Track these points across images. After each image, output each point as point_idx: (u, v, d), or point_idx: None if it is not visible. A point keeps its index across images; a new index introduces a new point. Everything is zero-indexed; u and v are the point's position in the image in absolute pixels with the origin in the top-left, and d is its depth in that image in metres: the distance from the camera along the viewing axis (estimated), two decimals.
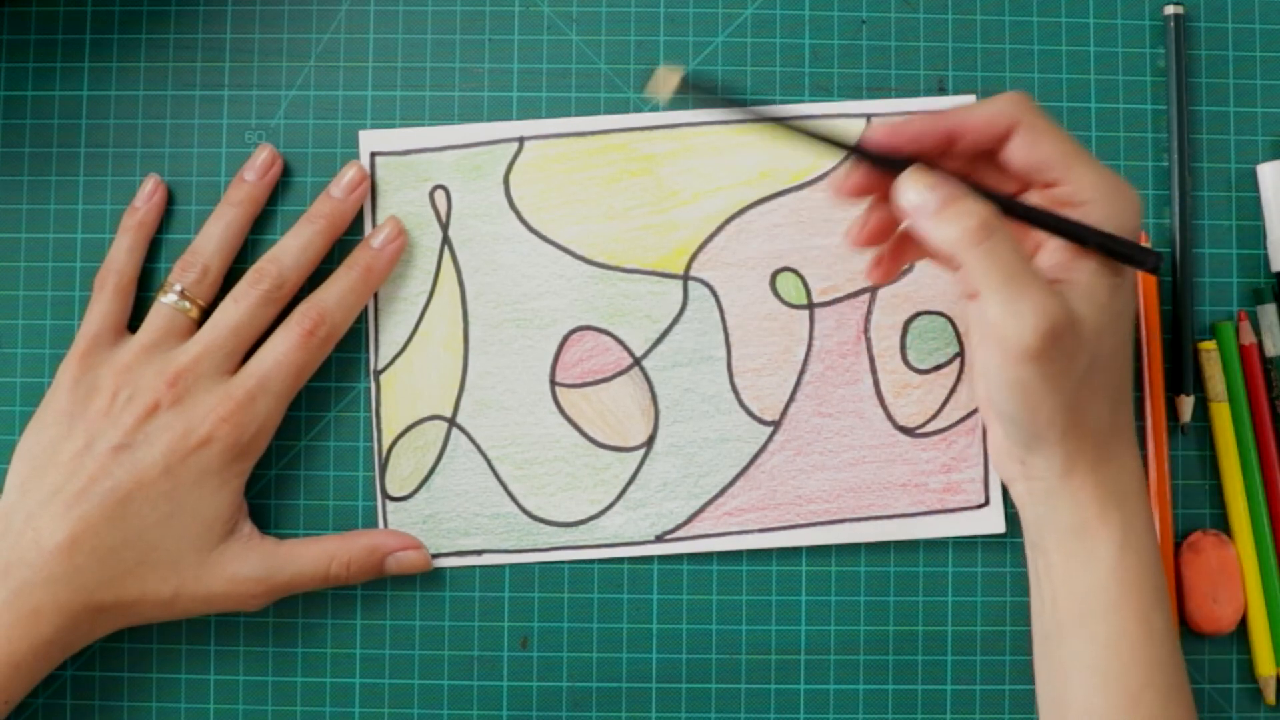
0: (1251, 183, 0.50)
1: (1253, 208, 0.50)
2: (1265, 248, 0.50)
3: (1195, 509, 0.49)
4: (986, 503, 0.49)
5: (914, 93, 0.50)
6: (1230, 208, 0.50)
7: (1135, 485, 0.42)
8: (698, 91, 0.41)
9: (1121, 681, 0.40)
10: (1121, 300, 0.41)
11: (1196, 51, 0.50)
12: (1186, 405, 0.49)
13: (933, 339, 0.49)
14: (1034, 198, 0.41)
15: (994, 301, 0.38)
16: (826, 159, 0.49)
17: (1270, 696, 0.48)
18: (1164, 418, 0.49)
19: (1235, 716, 0.48)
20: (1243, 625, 0.48)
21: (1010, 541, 0.49)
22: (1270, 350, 0.49)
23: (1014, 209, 0.40)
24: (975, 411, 0.49)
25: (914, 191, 0.39)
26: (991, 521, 0.48)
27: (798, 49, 0.50)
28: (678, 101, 0.45)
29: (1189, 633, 0.49)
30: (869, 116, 0.49)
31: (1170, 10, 0.49)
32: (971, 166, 0.42)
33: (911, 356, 0.49)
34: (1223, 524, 0.49)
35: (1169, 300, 0.49)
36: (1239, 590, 0.48)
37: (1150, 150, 0.50)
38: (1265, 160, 0.50)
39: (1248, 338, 0.49)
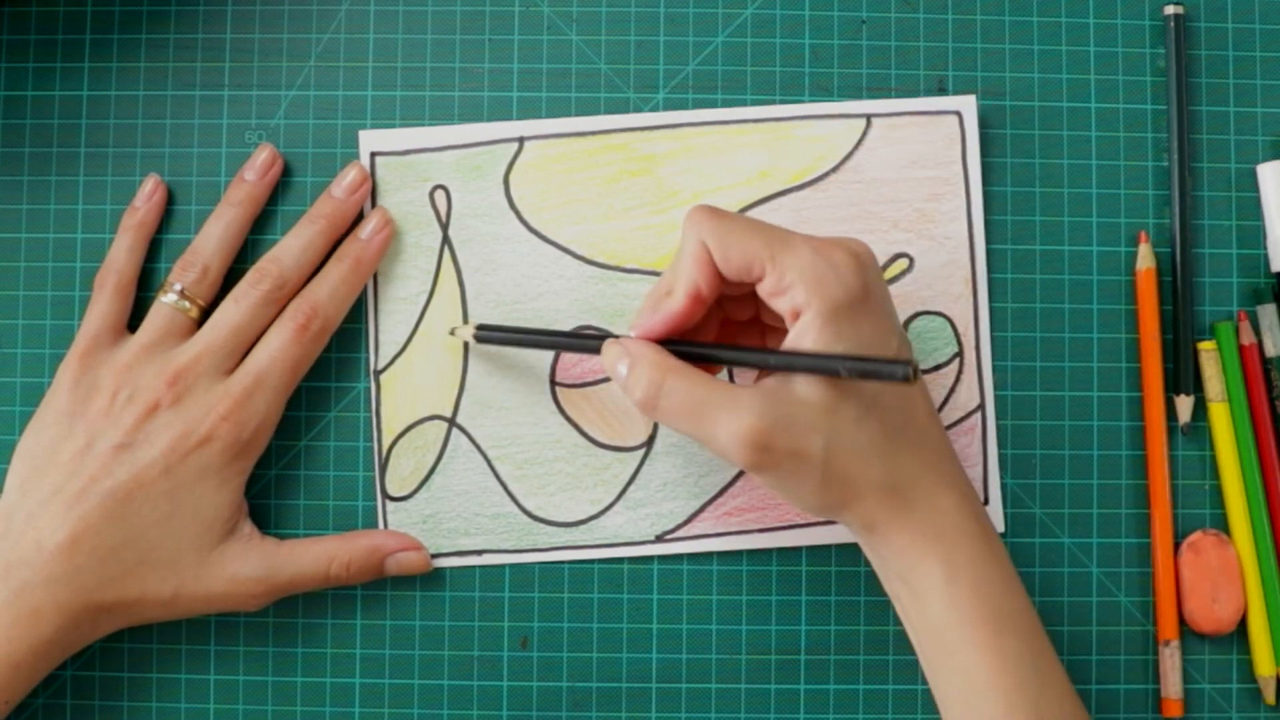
0: (1251, 183, 0.50)
1: (1253, 208, 0.50)
2: (1265, 248, 0.50)
3: (1195, 509, 0.49)
4: (986, 502, 0.49)
5: (914, 93, 0.50)
6: (1230, 208, 0.50)
7: (952, 521, 0.41)
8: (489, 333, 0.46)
9: (981, 711, 0.40)
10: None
11: (1196, 51, 0.50)
12: (1186, 405, 0.49)
13: (932, 339, 0.49)
14: (765, 297, 0.41)
15: (695, 438, 0.40)
16: (824, 164, 0.49)
17: (1270, 696, 0.48)
18: (1164, 418, 0.49)
19: (1235, 716, 0.49)
20: (1243, 625, 0.48)
21: (1010, 542, 0.49)
22: (1270, 350, 0.49)
23: (746, 362, 0.40)
24: (975, 411, 0.49)
25: (608, 367, 0.42)
26: (992, 521, 0.48)
27: (798, 49, 0.50)
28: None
29: (1189, 633, 0.49)
30: (869, 117, 0.49)
31: (1170, 10, 0.49)
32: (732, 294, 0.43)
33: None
34: (1223, 524, 0.49)
35: (1169, 300, 0.49)
36: (1239, 590, 0.48)
37: (1150, 150, 0.50)
38: (1265, 160, 0.50)
39: (1248, 338, 0.49)
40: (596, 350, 0.43)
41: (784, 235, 0.40)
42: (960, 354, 0.49)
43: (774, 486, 0.41)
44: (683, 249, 0.41)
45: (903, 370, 0.37)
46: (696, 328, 0.43)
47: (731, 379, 0.48)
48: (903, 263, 0.49)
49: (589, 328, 0.49)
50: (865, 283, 0.39)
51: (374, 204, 0.49)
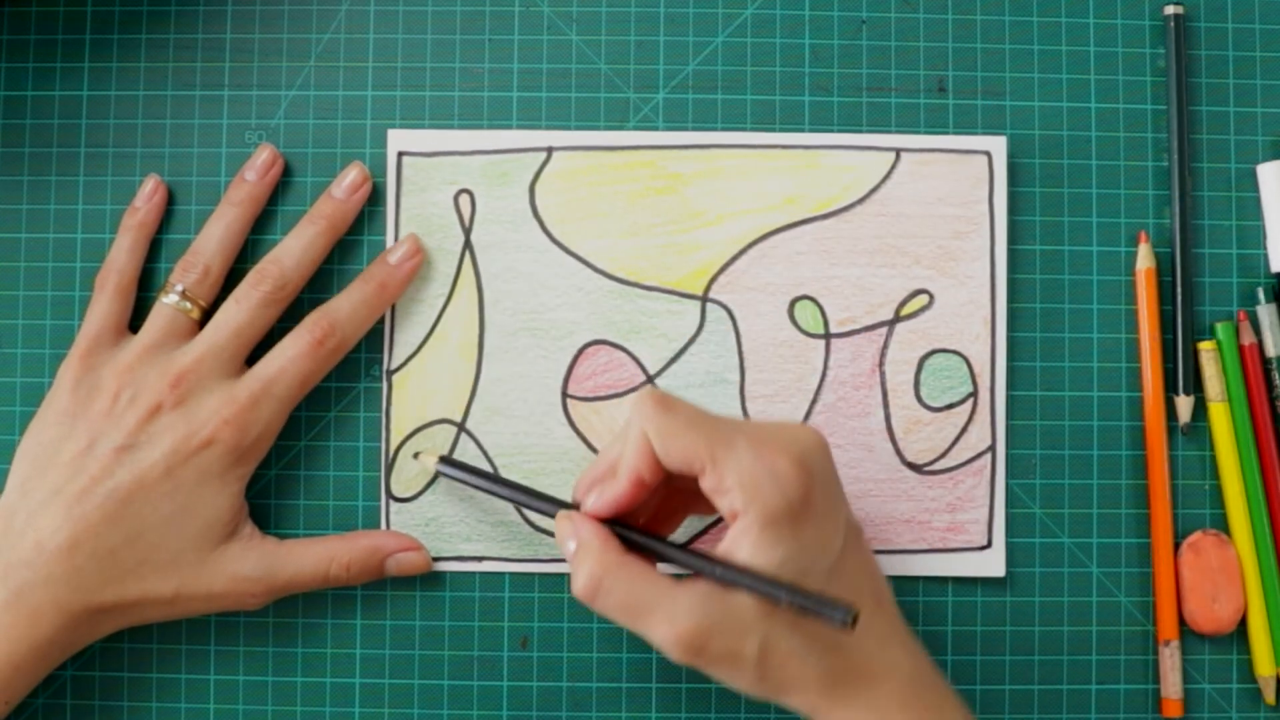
0: (1251, 183, 0.50)
1: (1253, 208, 0.50)
2: (1265, 248, 0.50)
3: (1195, 509, 0.49)
4: (989, 545, 0.49)
5: (914, 93, 0.50)
6: (1230, 208, 0.50)
7: (899, 702, 0.40)
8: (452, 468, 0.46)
9: None
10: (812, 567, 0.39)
11: (1196, 51, 0.50)
12: (1186, 405, 0.49)
13: (947, 377, 0.49)
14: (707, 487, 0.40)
15: (633, 630, 0.40)
16: (851, 194, 0.49)
17: (1270, 696, 0.48)
18: (1164, 418, 0.49)
19: (1235, 716, 0.49)
20: (1243, 625, 0.48)
21: (1010, 542, 0.49)
22: (1270, 350, 0.49)
23: (690, 565, 0.40)
24: (984, 453, 0.49)
25: (558, 540, 0.42)
26: (993, 564, 0.48)
27: (798, 49, 0.50)
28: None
29: (1189, 633, 0.49)
30: (898, 151, 0.49)
31: (1170, 10, 0.49)
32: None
33: (924, 393, 0.49)
34: (1223, 524, 0.49)
35: (1169, 300, 0.49)
36: (1239, 590, 0.48)
37: (1150, 150, 0.50)
38: (1265, 160, 0.50)
39: (1248, 338, 0.49)
40: (551, 513, 0.43)
41: (728, 435, 0.39)
42: (975, 394, 0.49)
43: (711, 676, 0.40)
44: (627, 433, 0.41)
45: (842, 616, 0.36)
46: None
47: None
48: (923, 299, 0.49)
49: (604, 342, 0.49)
50: (806, 490, 0.38)
51: (398, 204, 0.49)
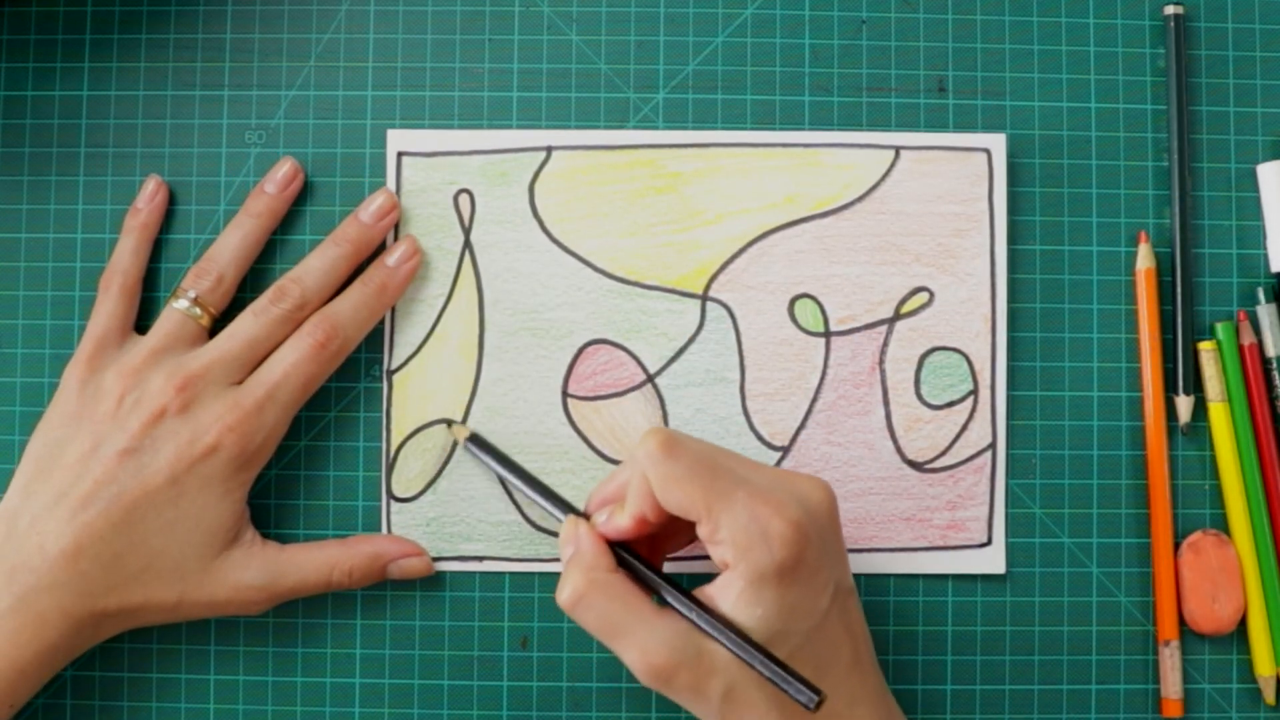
0: (1251, 183, 0.50)
1: (1253, 208, 0.50)
2: (1265, 248, 0.50)
3: (1195, 509, 0.49)
4: (989, 542, 0.49)
5: (914, 93, 0.50)
6: (1230, 208, 0.50)
7: None
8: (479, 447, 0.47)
9: None
10: (799, 606, 0.39)
11: (1196, 51, 0.50)
12: (1186, 405, 0.49)
13: (947, 375, 0.49)
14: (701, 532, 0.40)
15: (606, 647, 0.40)
16: (851, 193, 0.49)
17: (1270, 696, 0.48)
18: (1164, 418, 0.49)
19: (1235, 716, 0.49)
20: (1243, 625, 0.48)
21: (1011, 542, 0.49)
22: (1270, 350, 0.49)
23: (680, 610, 0.40)
24: (985, 450, 0.49)
25: (560, 543, 0.43)
26: (993, 561, 0.48)
27: (798, 49, 0.50)
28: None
29: (1189, 633, 0.49)
30: (898, 149, 0.49)
31: (1170, 10, 0.49)
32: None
33: (925, 391, 0.49)
34: (1223, 524, 0.49)
35: (1169, 300, 0.49)
36: (1239, 590, 0.48)
37: (1150, 150, 0.50)
38: (1265, 160, 0.50)
39: (1248, 338, 0.49)
40: (560, 513, 0.44)
41: (727, 487, 0.39)
42: (975, 391, 0.49)
43: (675, 702, 0.40)
44: (631, 473, 0.41)
45: (806, 698, 0.37)
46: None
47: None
48: (923, 296, 0.49)
49: (604, 342, 0.49)
50: (798, 552, 0.38)
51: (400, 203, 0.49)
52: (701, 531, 0.40)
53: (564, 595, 0.40)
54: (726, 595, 0.39)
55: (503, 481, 0.48)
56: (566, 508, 0.45)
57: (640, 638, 0.39)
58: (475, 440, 0.48)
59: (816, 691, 0.37)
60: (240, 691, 0.48)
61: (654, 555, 0.44)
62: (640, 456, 0.40)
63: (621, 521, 0.41)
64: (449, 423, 0.48)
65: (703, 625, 0.39)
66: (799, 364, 0.49)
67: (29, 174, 0.49)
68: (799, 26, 0.50)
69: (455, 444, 0.48)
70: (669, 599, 0.40)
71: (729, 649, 0.39)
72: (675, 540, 0.45)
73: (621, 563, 0.42)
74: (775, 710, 0.39)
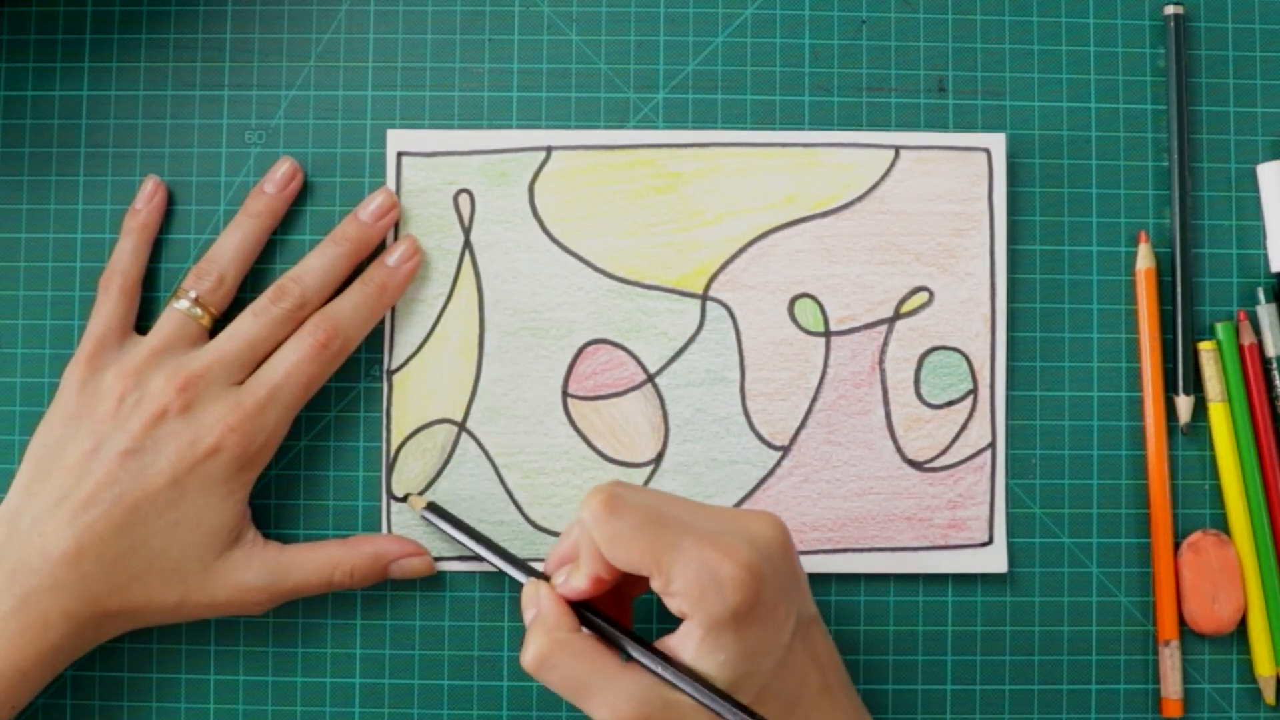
0: (1251, 183, 0.50)
1: (1253, 208, 0.50)
2: (1265, 248, 0.50)
3: (1195, 509, 0.49)
4: (990, 541, 0.49)
5: (914, 93, 0.50)
6: (1230, 208, 0.50)
7: None
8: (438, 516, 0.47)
9: None
10: (756, 656, 0.39)
11: (1196, 51, 0.50)
12: (1186, 405, 0.49)
13: (947, 374, 0.49)
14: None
15: (574, 705, 0.40)
16: (850, 192, 0.49)
17: (1270, 696, 0.48)
18: (1164, 418, 0.49)
19: (1235, 716, 0.49)
20: (1243, 625, 0.48)
21: (1011, 542, 0.49)
22: (1270, 350, 0.49)
23: (644, 664, 0.40)
24: (985, 449, 0.49)
25: (522, 606, 0.43)
26: (994, 560, 0.48)
27: (798, 49, 0.50)
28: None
29: (1189, 633, 0.49)
30: (897, 149, 0.49)
31: (1170, 10, 0.49)
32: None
33: (925, 391, 0.49)
34: (1223, 524, 0.49)
35: (1169, 300, 0.49)
36: (1239, 590, 0.48)
37: (1150, 150, 0.50)
38: (1265, 160, 0.50)
39: (1248, 338, 0.49)
40: (521, 580, 0.44)
41: (675, 538, 0.39)
42: (974, 391, 0.49)
43: None
44: (580, 534, 0.41)
45: None
46: None
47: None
48: (923, 296, 0.49)
49: (604, 341, 0.49)
50: (752, 594, 0.38)
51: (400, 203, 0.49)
52: (655, 585, 0.39)
53: (527, 657, 0.40)
54: (687, 645, 0.39)
55: (477, 526, 0.48)
56: (528, 571, 0.45)
57: (607, 695, 0.39)
58: (433, 509, 0.47)
59: None
60: (240, 691, 0.48)
61: (620, 603, 0.44)
62: (585, 518, 0.40)
63: (578, 583, 0.41)
64: (405, 497, 0.48)
65: (667, 677, 0.39)
66: (799, 364, 0.49)
67: (29, 174, 0.49)
68: (799, 26, 0.50)
69: (455, 444, 0.49)
70: (633, 653, 0.40)
71: (694, 698, 0.38)
72: (640, 585, 0.44)
73: (584, 621, 0.41)
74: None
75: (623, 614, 0.44)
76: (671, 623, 0.40)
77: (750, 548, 0.39)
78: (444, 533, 0.47)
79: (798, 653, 0.40)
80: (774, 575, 0.39)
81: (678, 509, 0.40)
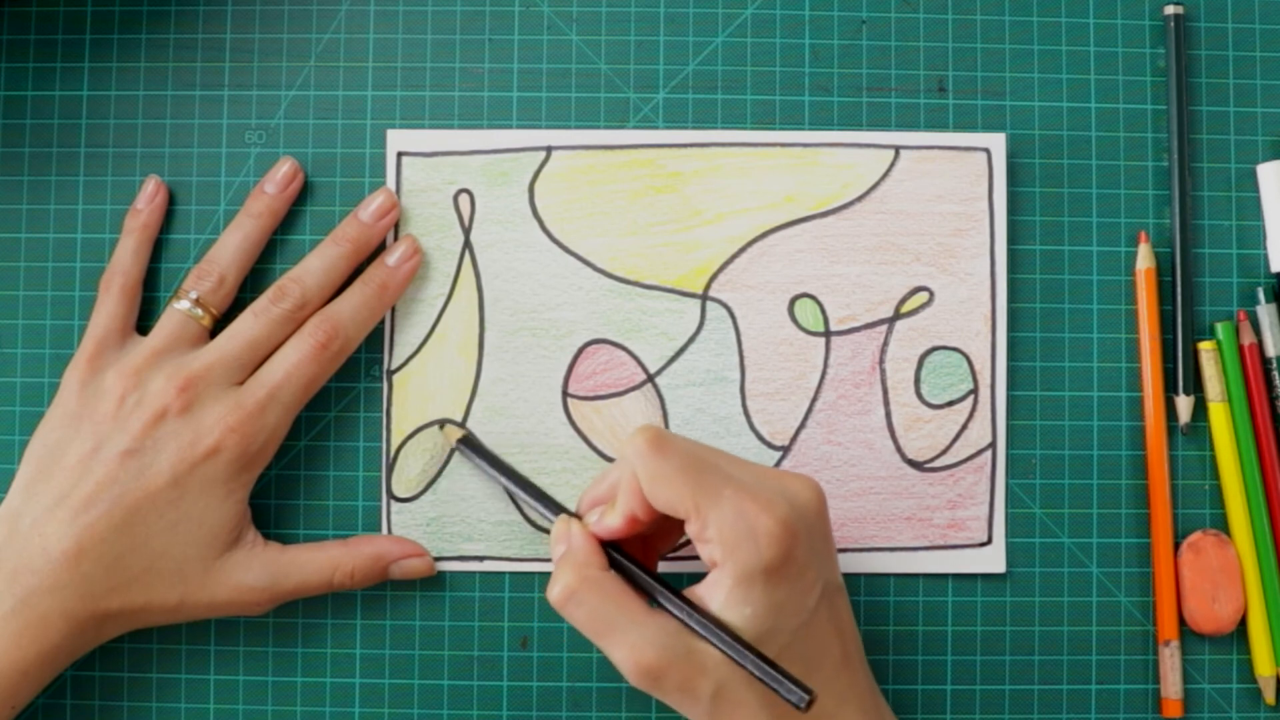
0: (1251, 183, 0.50)
1: (1253, 208, 0.50)
2: (1265, 248, 0.50)
3: (1195, 509, 0.49)
4: (989, 541, 0.49)
5: (914, 93, 0.50)
6: (1230, 208, 0.50)
7: None
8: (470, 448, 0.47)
9: None
10: (785, 605, 0.39)
11: (1196, 51, 0.50)
12: (1186, 405, 0.49)
13: (947, 374, 0.49)
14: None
15: (596, 645, 0.40)
16: (850, 192, 0.49)
17: (1270, 696, 0.48)
18: (1164, 418, 0.49)
19: (1235, 716, 0.49)
20: (1243, 625, 0.48)
21: (1011, 542, 0.49)
22: (1270, 350, 0.49)
23: (672, 611, 0.40)
24: (985, 449, 0.49)
25: (551, 542, 0.43)
26: (993, 560, 0.48)
27: (798, 49, 0.50)
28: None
29: (1189, 633, 0.49)
30: (897, 149, 0.49)
31: (1170, 10, 0.49)
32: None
33: (925, 391, 0.49)
34: (1223, 524, 0.49)
35: (1169, 300, 0.49)
36: (1239, 590, 0.48)
37: (1150, 150, 0.50)
38: (1265, 160, 0.50)
39: (1248, 338, 0.49)
40: (551, 513, 0.44)
41: (716, 485, 0.39)
42: (975, 391, 0.49)
43: (664, 702, 0.40)
44: (621, 471, 0.41)
45: (797, 698, 0.37)
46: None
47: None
48: (923, 296, 0.49)
49: (604, 341, 0.49)
50: (785, 550, 0.39)
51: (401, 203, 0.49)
52: (690, 529, 0.40)
53: (555, 592, 0.40)
54: (715, 594, 0.39)
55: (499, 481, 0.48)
56: (558, 508, 0.45)
57: (630, 636, 0.39)
58: (467, 441, 0.48)
59: (807, 691, 0.37)
60: (240, 691, 0.48)
61: (647, 554, 0.44)
62: (629, 454, 0.40)
63: (612, 521, 0.41)
64: (441, 424, 0.48)
65: (693, 624, 0.39)
66: (799, 363, 0.49)
67: (29, 174, 0.49)
68: (799, 26, 0.50)
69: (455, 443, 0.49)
70: (659, 599, 0.40)
71: (719, 648, 0.39)
72: (668, 539, 0.45)
73: (613, 563, 0.42)
74: (765, 710, 0.39)
75: (650, 566, 0.44)
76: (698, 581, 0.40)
77: (788, 505, 0.39)
78: (478, 467, 0.47)
79: (822, 618, 0.40)
80: (808, 536, 0.40)
81: (721, 459, 0.41)
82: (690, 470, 0.39)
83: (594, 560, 0.41)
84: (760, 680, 0.38)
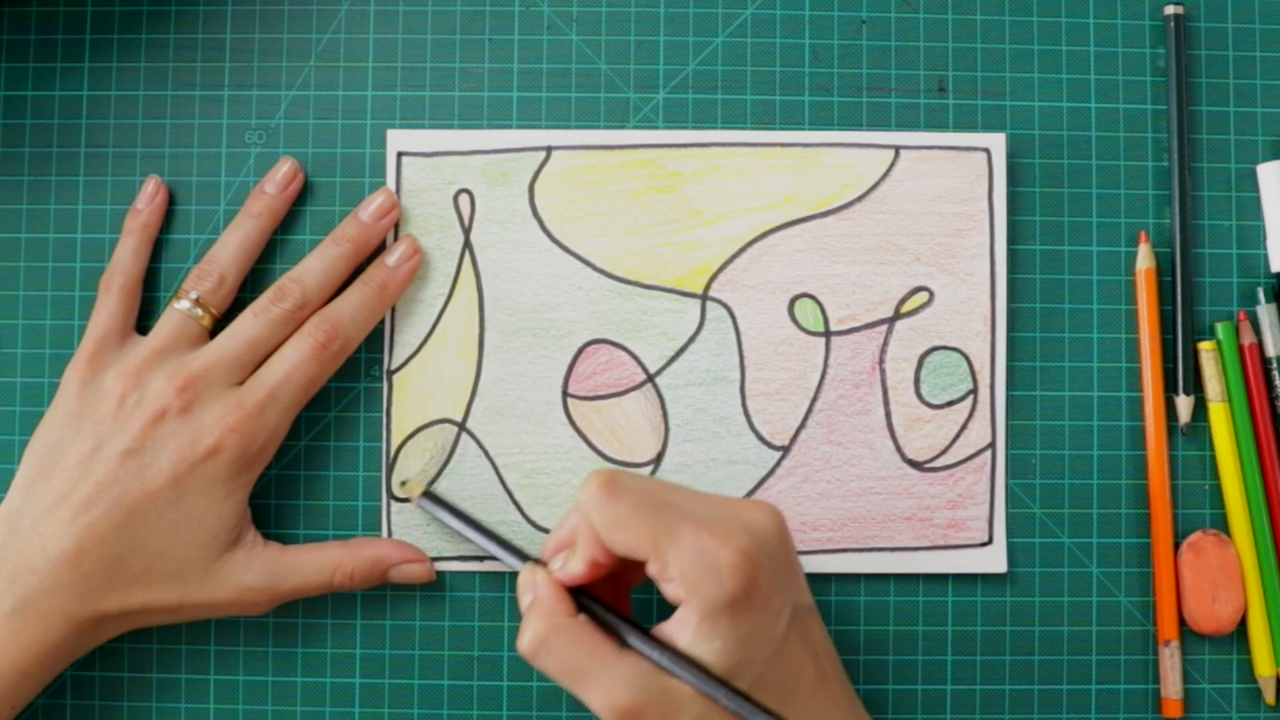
0: (1251, 183, 0.50)
1: (1253, 208, 0.50)
2: (1265, 248, 0.50)
3: (1195, 509, 0.49)
4: (990, 541, 0.49)
5: (914, 93, 0.50)
6: (1230, 208, 0.50)
7: None
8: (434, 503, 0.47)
9: None
10: (753, 646, 0.39)
11: (1196, 51, 0.50)
12: (1186, 405, 0.49)
13: (947, 374, 0.49)
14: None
15: (571, 692, 0.39)
16: (850, 192, 0.49)
17: (1270, 696, 0.48)
18: (1164, 418, 0.49)
19: (1235, 716, 0.49)
20: (1243, 625, 0.48)
21: (1011, 542, 0.49)
22: (1270, 350, 0.49)
23: (643, 652, 0.40)
24: (985, 449, 0.49)
25: (518, 591, 0.43)
26: (993, 560, 0.48)
27: (798, 49, 0.50)
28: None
29: (1189, 633, 0.49)
30: (897, 149, 0.49)
31: (1170, 10, 0.49)
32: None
33: (925, 390, 0.49)
34: (1223, 524, 0.49)
35: (1169, 300, 0.49)
36: (1239, 590, 0.48)
37: (1150, 150, 0.50)
38: (1265, 160, 0.50)
39: (1248, 338, 0.49)
40: (518, 562, 0.44)
41: (673, 522, 0.39)
42: (975, 390, 0.49)
43: None
44: (579, 518, 0.41)
45: None
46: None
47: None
48: (923, 296, 0.49)
49: (604, 341, 0.49)
50: (748, 581, 0.38)
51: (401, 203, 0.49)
52: (651, 570, 0.39)
53: (524, 642, 0.40)
54: (683, 631, 0.39)
55: (468, 520, 0.47)
56: (524, 556, 0.45)
57: (604, 680, 0.39)
58: (429, 496, 0.47)
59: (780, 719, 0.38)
60: (240, 691, 0.48)
61: (618, 591, 0.44)
62: (583, 501, 0.40)
63: (575, 567, 0.41)
64: (403, 482, 0.48)
65: (664, 663, 0.39)
66: (799, 363, 0.49)
67: (29, 174, 0.49)
68: (799, 26, 0.50)
69: (455, 444, 0.49)
70: (629, 639, 0.40)
71: (692, 685, 0.38)
72: (637, 573, 0.44)
73: (581, 607, 0.41)
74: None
75: (620, 603, 0.44)
76: (669, 614, 0.40)
77: (747, 535, 0.39)
78: (440, 520, 0.47)
79: (794, 643, 0.40)
80: (770, 564, 0.39)
81: (676, 495, 0.40)
82: (645, 511, 0.39)
83: (561, 607, 0.41)
84: (734, 714, 0.38)
